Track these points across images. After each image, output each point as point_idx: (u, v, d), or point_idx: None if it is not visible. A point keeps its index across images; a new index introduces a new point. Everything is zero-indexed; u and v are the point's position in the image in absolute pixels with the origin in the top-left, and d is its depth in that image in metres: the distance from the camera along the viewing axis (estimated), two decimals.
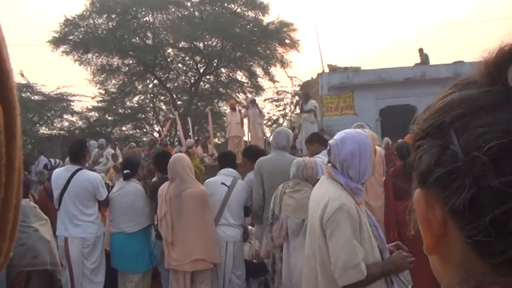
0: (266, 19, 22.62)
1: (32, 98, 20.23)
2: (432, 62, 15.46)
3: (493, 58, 0.48)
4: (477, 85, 0.49)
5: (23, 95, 19.71)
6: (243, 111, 12.39)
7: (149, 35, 22.82)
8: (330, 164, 2.23)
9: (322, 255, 2.09)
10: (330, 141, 2.23)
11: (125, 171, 4.59)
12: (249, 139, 11.95)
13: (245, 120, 12.39)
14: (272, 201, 3.74)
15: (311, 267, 2.20)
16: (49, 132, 21.21)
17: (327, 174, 2.24)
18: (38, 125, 20.97)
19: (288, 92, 24.78)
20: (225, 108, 12.98)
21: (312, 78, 17.10)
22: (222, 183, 4.29)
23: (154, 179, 5.34)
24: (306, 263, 2.26)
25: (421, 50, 15.71)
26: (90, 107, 23.11)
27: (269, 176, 4.21)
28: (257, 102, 13.92)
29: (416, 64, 15.38)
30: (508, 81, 0.46)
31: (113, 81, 23.98)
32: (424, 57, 15.55)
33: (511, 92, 0.45)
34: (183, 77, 25.03)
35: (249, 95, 23.12)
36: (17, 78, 19.64)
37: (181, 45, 22.83)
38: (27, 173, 7.27)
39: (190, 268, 4.00)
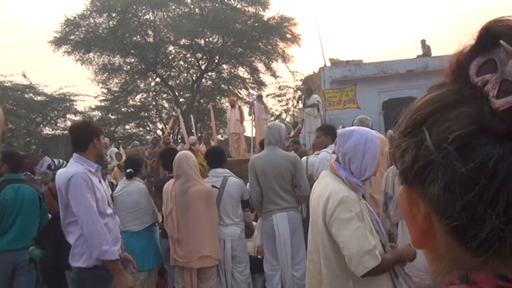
0: (267, 14, 22.64)
1: (35, 98, 20.26)
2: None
3: (455, 60, 0.53)
4: (446, 85, 0.53)
5: (26, 95, 19.77)
6: (246, 108, 12.40)
7: (150, 33, 22.81)
8: (333, 159, 2.23)
9: (326, 250, 2.09)
10: (339, 131, 2.22)
11: (128, 170, 4.60)
12: (253, 135, 11.93)
13: (247, 116, 12.40)
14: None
15: (314, 262, 2.19)
16: (53, 132, 21.29)
17: (329, 169, 2.23)
18: (41, 126, 21.04)
19: (290, 87, 24.81)
20: (227, 104, 12.95)
21: (313, 72, 17.03)
22: (213, 186, 4.26)
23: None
24: (309, 258, 2.25)
25: (423, 42, 15.61)
26: (93, 107, 23.21)
27: (262, 172, 4.19)
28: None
29: (418, 56, 15.29)
30: (470, 78, 0.50)
31: (115, 80, 24.05)
32: (426, 49, 15.45)
33: (472, 88, 0.49)
34: (185, 74, 25.04)
35: (251, 91, 23.16)
36: (20, 79, 19.75)
37: (182, 43, 22.83)
38: (31, 174, 7.30)
39: (197, 265, 4.01)
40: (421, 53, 15.53)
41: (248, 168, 4.39)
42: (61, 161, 5.76)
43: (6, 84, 19.22)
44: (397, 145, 0.56)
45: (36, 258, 3.63)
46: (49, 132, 21.20)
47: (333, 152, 4.61)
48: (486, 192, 0.45)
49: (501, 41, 0.48)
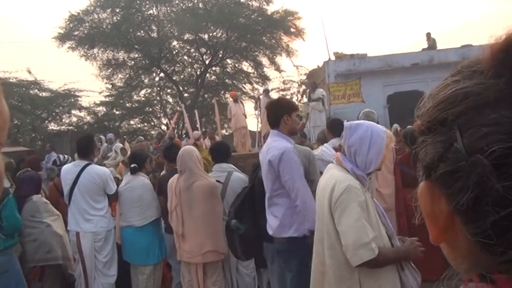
0: (270, 8, 22.52)
1: (40, 94, 20.31)
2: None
3: (499, 46, 0.46)
4: (482, 75, 0.47)
5: (31, 92, 19.83)
6: (251, 102, 12.37)
7: (154, 28, 22.78)
8: (339, 153, 2.23)
9: (331, 240, 2.08)
10: (346, 123, 2.23)
11: (132, 166, 4.61)
12: (258, 129, 11.91)
13: (250, 111, 12.38)
14: None
15: (318, 253, 2.20)
16: (58, 128, 21.34)
17: (335, 161, 2.23)
18: (47, 121, 21.11)
19: (294, 81, 24.71)
20: (231, 99, 12.92)
21: (318, 66, 16.97)
22: (217, 181, 4.24)
23: (163, 172, 5.36)
24: (314, 249, 2.26)
25: (428, 35, 15.49)
26: (98, 102, 23.21)
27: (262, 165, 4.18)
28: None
29: (423, 49, 15.18)
30: None
31: (120, 76, 24.05)
32: (432, 42, 15.34)
33: None
34: (189, 69, 25.01)
35: (256, 85, 23.11)
36: (25, 76, 19.80)
37: (186, 38, 22.78)
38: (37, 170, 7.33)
39: (202, 260, 4.02)
40: (426, 46, 15.42)
41: (260, 161, 4.39)
42: (66, 156, 5.78)
43: (11, 81, 19.28)
44: (420, 137, 0.51)
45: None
46: (54, 128, 21.27)
47: (335, 147, 4.62)
48: None
49: None
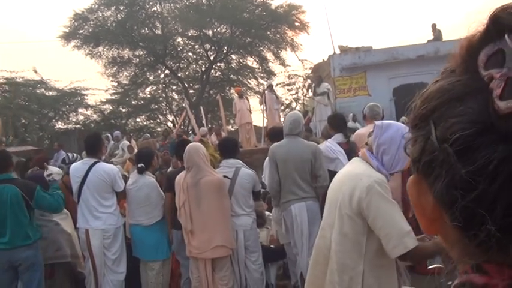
0: (274, 2, 22.46)
1: (47, 93, 20.44)
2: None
3: (465, 45, 0.50)
4: (455, 74, 0.51)
5: (38, 91, 19.97)
6: (256, 97, 12.36)
7: (158, 25, 22.80)
8: (365, 149, 2.24)
9: (344, 226, 2.07)
10: (377, 122, 2.25)
11: (139, 165, 4.63)
12: (264, 125, 11.91)
13: (255, 106, 12.36)
14: None
15: (325, 237, 2.20)
16: (65, 126, 21.49)
17: (361, 157, 2.25)
18: (54, 120, 21.25)
19: (299, 76, 24.63)
20: (236, 95, 12.93)
21: (323, 60, 16.90)
22: (224, 177, 4.27)
23: (170, 169, 5.39)
24: (320, 234, 2.26)
25: (434, 26, 15.37)
26: (104, 100, 23.31)
27: (283, 162, 4.20)
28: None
29: (429, 41, 15.06)
30: (478, 69, 0.47)
31: (125, 73, 24.14)
32: (437, 33, 15.22)
33: (481, 80, 0.47)
34: (194, 66, 25.03)
35: (261, 81, 23.08)
36: (31, 75, 19.92)
37: (190, 34, 22.78)
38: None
39: (211, 255, 4.05)
40: (431, 37, 15.30)
41: (268, 157, 4.42)
42: (75, 155, 5.83)
43: (18, 80, 19.41)
44: (409, 133, 0.55)
45: None
46: (61, 127, 21.43)
47: (339, 143, 4.63)
48: (485, 196, 0.44)
49: (506, 36, 0.46)
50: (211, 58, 23.81)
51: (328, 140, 4.69)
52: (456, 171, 0.46)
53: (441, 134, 0.48)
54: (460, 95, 0.48)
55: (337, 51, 15.03)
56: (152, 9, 22.65)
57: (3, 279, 3.89)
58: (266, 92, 12.08)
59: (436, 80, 0.53)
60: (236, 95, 12.95)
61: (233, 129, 19.82)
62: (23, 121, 18.37)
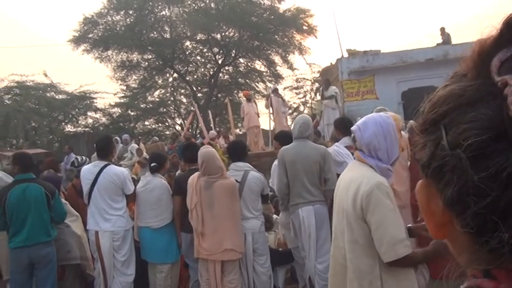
0: (282, 6, 22.49)
1: (57, 97, 20.60)
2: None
3: (477, 50, 0.50)
4: (466, 78, 0.50)
5: (48, 94, 20.12)
6: (264, 101, 12.38)
7: (167, 29, 22.92)
8: (358, 150, 2.23)
9: (353, 234, 2.08)
10: (352, 128, 2.24)
11: (152, 164, 4.66)
12: (270, 128, 11.92)
13: (265, 110, 12.35)
14: None
15: (339, 247, 2.20)
16: (74, 129, 21.62)
17: (356, 159, 2.24)
18: (63, 123, 21.40)
19: (307, 79, 24.63)
20: (244, 99, 12.95)
21: (331, 64, 16.88)
22: None
23: (178, 172, 5.42)
24: (334, 244, 2.26)
25: (442, 29, 15.30)
26: (113, 103, 23.43)
27: (291, 164, 4.21)
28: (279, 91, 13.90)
29: (438, 44, 14.99)
30: (491, 74, 0.47)
31: (134, 77, 24.28)
32: (446, 37, 15.14)
33: (494, 85, 0.46)
34: (202, 69, 25.12)
35: (269, 84, 23.09)
36: (41, 79, 20.11)
37: (198, 38, 22.88)
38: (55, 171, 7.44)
39: (220, 258, 4.05)
40: (440, 41, 15.22)
41: (277, 160, 4.43)
42: (84, 157, 5.87)
43: (28, 84, 19.60)
44: (417, 140, 0.55)
45: None
46: (71, 130, 21.56)
47: (347, 146, 4.62)
48: (498, 203, 0.44)
49: None
50: (220, 62, 23.88)
51: (336, 143, 4.68)
52: (469, 177, 0.45)
53: (452, 139, 0.48)
54: (471, 101, 0.48)
55: (345, 55, 15.00)
56: (161, 14, 22.78)
57: (22, 277, 4.00)
58: (272, 95, 12.11)
59: (446, 84, 0.53)
60: (244, 98, 12.98)
61: (241, 133, 19.85)
62: (33, 124, 18.52)
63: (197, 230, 4.07)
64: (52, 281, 4.10)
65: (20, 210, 4.02)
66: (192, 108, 20.16)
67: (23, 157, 4.35)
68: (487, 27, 0.50)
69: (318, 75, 21.41)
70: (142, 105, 24.46)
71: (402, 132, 2.99)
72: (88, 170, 4.54)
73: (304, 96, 25.38)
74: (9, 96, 19.38)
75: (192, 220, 4.11)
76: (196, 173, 4.19)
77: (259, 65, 24.79)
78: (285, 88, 24.23)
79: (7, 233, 4.07)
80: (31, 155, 4.63)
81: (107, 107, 22.93)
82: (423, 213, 0.56)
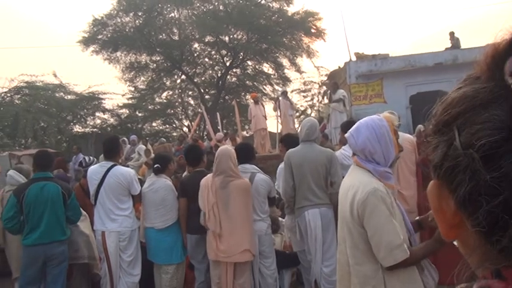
0: (291, 9, 22.52)
1: (66, 97, 20.75)
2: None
3: (491, 53, 0.51)
4: (479, 80, 0.51)
5: (57, 95, 20.28)
6: (271, 103, 12.39)
7: (175, 31, 23.03)
8: (355, 155, 2.24)
9: (353, 240, 2.09)
10: (346, 135, 2.25)
11: (155, 166, 4.68)
12: (278, 131, 11.92)
13: (271, 113, 12.36)
14: None
15: (343, 252, 2.21)
16: (83, 130, 21.76)
17: (355, 164, 2.24)
18: (72, 124, 21.54)
19: (315, 82, 24.62)
20: (252, 101, 12.97)
21: (339, 67, 16.86)
22: None
23: (185, 173, 5.42)
24: (339, 249, 2.27)
25: (451, 34, 15.23)
26: (121, 104, 23.57)
27: (298, 167, 4.21)
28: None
29: (447, 48, 14.92)
30: (505, 77, 0.47)
31: (142, 78, 24.42)
32: (455, 41, 15.07)
33: (507, 88, 0.47)
34: (210, 71, 25.19)
35: (276, 87, 23.11)
36: (51, 79, 20.28)
37: (207, 40, 22.94)
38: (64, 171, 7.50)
39: (238, 259, 4.01)
40: (449, 45, 15.15)
41: (284, 162, 4.43)
42: (92, 158, 5.90)
43: (38, 84, 19.77)
44: (429, 141, 0.56)
45: None
46: (79, 130, 21.70)
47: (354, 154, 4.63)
48: (510, 202, 0.45)
49: None
50: (227, 64, 23.93)
51: (343, 147, 4.68)
52: (481, 176, 0.46)
53: (465, 140, 0.48)
54: (485, 102, 0.49)
55: (354, 58, 14.98)
56: (170, 15, 22.90)
57: (34, 274, 4.07)
58: (280, 98, 12.11)
59: (459, 87, 0.54)
60: (252, 101, 13.00)
61: (248, 135, 19.86)
62: (42, 124, 18.65)
63: (215, 231, 4.00)
64: (62, 281, 4.15)
65: (37, 208, 4.08)
66: (199, 110, 20.22)
67: (44, 156, 4.43)
68: (501, 30, 0.50)
69: (325, 78, 21.40)
70: (150, 107, 24.59)
71: (409, 135, 2.99)
72: (95, 171, 4.57)
73: (312, 99, 25.40)
74: (19, 96, 19.56)
75: (209, 221, 4.03)
76: (210, 174, 4.18)
77: (267, 68, 24.87)
78: (292, 91, 24.27)
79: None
80: (51, 154, 4.75)
81: (115, 107, 23.08)
82: (434, 213, 0.56)
